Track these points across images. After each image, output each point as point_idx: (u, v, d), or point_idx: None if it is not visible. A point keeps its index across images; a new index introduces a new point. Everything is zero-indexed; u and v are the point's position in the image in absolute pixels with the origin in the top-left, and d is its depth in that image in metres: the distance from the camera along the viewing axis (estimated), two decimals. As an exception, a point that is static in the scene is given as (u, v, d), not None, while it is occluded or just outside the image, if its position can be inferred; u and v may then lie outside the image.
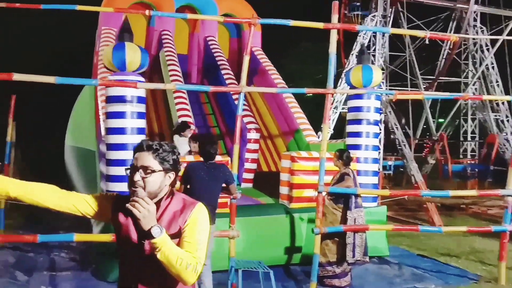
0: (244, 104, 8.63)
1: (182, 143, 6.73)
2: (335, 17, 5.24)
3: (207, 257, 4.67)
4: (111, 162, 5.62)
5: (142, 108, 5.65)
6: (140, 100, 5.58)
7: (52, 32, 18.39)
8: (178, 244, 1.97)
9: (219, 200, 4.93)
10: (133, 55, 5.41)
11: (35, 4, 4.47)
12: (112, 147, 5.58)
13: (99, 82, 4.89)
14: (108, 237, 4.91)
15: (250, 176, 8.56)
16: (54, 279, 5.69)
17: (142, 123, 5.66)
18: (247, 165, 8.50)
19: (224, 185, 4.83)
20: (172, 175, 2.06)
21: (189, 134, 6.90)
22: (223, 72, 9.28)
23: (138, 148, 2.01)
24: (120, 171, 5.53)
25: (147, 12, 5.14)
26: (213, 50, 9.87)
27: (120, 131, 5.49)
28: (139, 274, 2.05)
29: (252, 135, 8.42)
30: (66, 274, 5.92)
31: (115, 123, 5.51)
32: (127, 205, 1.87)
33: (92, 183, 6.75)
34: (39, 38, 19.00)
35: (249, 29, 5.36)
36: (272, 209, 6.67)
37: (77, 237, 4.90)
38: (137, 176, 1.95)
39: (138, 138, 5.59)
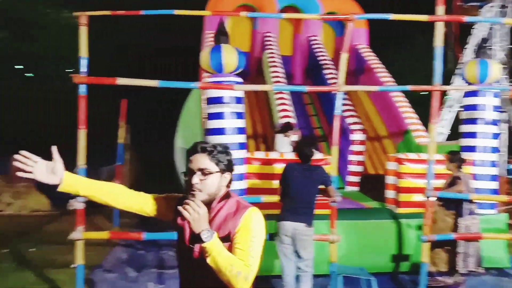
0: (348, 104, 8.41)
1: (284, 144, 6.70)
2: (440, 9, 4.91)
3: (310, 266, 4.58)
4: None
5: (240, 108, 5.71)
6: (238, 100, 5.65)
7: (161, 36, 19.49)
8: (229, 249, 1.91)
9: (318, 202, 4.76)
10: (230, 56, 5.48)
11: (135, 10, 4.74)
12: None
13: (197, 85, 5.04)
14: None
15: (356, 179, 8.25)
16: (161, 277, 5.92)
17: (241, 123, 5.72)
18: (352, 168, 8.20)
19: (322, 187, 4.66)
20: (228, 175, 2.04)
21: (293, 135, 6.84)
22: (326, 72, 9.09)
23: (192, 151, 2.00)
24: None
25: (242, 13, 5.19)
26: (316, 50, 9.74)
27: (220, 131, 5.60)
28: (193, 277, 2.03)
29: (357, 136, 8.09)
30: (173, 272, 6.09)
31: (214, 123, 5.64)
32: (179, 207, 1.86)
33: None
34: (146, 41, 20.12)
35: (349, 26, 5.12)
36: (378, 214, 6.36)
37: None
38: (196, 179, 1.95)
39: (238, 138, 5.67)
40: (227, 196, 2.05)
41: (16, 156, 1.94)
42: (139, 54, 19.29)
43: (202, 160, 1.96)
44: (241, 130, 5.70)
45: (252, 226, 1.95)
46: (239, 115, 5.68)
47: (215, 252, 1.83)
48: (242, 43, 9.58)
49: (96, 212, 8.42)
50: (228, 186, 2.06)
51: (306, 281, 4.61)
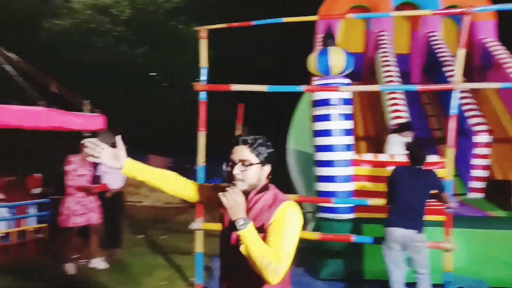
0: (471, 103, 7.82)
1: (397, 144, 6.51)
2: None
3: (426, 267, 4.46)
4: (319, 163, 5.88)
5: (348, 110, 5.74)
6: (345, 102, 5.68)
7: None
8: (263, 240, 1.94)
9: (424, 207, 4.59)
10: (337, 58, 5.54)
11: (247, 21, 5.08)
12: (319, 148, 5.84)
13: (304, 88, 5.20)
14: (315, 236, 5.15)
15: (480, 185, 7.62)
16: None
17: (348, 125, 5.75)
18: (476, 173, 7.61)
19: (435, 192, 4.47)
20: (267, 167, 2.11)
21: (409, 135, 6.62)
22: (446, 69, 8.56)
23: (234, 143, 2.08)
24: (329, 171, 5.75)
25: (348, 16, 5.23)
26: (435, 47, 9.22)
27: (327, 133, 5.69)
28: (231, 263, 2.11)
29: (481, 138, 7.48)
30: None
31: (321, 125, 5.75)
32: (219, 193, 1.95)
33: (310, 185, 7.17)
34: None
35: (465, 20, 4.84)
36: (504, 223, 5.84)
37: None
38: (237, 170, 2.04)
39: (345, 140, 5.71)
40: (265, 188, 2.11)
41: (86, 143, 2.24)
42: (261, 62, 20.07)
43: (243, 152, 2.05)
44: (348, 132, 5.73)
45: (285, 220, 1.97)
46: (347, 117, 5.71)
47: (248, 240, 1.87)
48: (356, 44, 9.51)
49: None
50: (267, 178, 2.13)
51: (424, 285, 4.46)
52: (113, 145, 6.10)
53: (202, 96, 5.24)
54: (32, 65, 9.90)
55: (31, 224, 6.55)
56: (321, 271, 5.80)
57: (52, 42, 16.96)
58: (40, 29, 17.25)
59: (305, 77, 7.42)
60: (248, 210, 2.04)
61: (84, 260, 6.22)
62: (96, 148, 2.20)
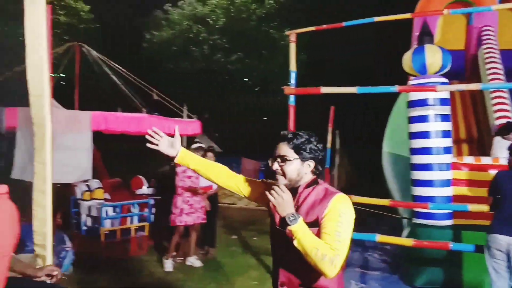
0: None
1: (502, 146, 6.00)
2: None
3: None
4: (415, 167, 5.62)
5: (446, 110, 5.41)
6: (443, 102, 5.37)
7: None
8: (317, 235, 1.94)
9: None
10: (433, 57, 5.26)
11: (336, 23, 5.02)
12: (416, 151, 5.58)
13: (397, 88, 4.99)
14: (409, 242, 4.94)
15: None
16: (364, 277, 6.05)
17: (446, 126, 5.42)
18: None
19: None
20: (311, 163, 2.09)
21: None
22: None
23: (277, 139, 2.11)
24: (426, 175, 5.47)
25: (445, 11, 4.93)
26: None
27: (423, 135, 5.42)
28: (282, 259, 2.13)
29: None
30: (375, 273, 6.21)
31: (418, 127, 5.49)
32: (266, 192, 1.99)
33: (406, 190, 6.87)
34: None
35: None
36: None
37: (380, 238, 5.10)
38: (275, 165, 2.08)
39: (443, 142, 5.40)
40: (315, 183, 2.10)
41: (149, 131, 2.33)
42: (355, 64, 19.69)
43: (282, 148, 2.07)
44: (446, 134, 5.41)
45: (339, 210, 1.96)
46: (445, 118, 5.40)
47: (300, 234, 1.89)
48: (456, 41, 8.92)
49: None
50: (313, 173, 2.11)
51: None
52: (210, 149, 6.35)
53: (291, 99, 5.28)
54: (135, 74, 10.73)
55: (134, 222, 7.05)
56: (416, 279, 5.55)
57: (153, 52, 18.19)
58: (142, 41, 18.60)
59: (402, 77, 7.15)
60: (299, 206, 2.06)
61: (181, 258, 6.57)
62: (155, 136, 2.31)
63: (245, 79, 19.81)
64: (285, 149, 2.07)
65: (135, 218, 7.19)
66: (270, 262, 6.25)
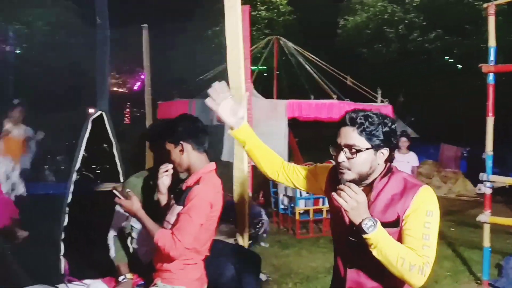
0: None
1: None
2: None
3: None
4: None
5: None
6: None
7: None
8: (398, 236, 1.64)
9: None
10: None
11: None
12: None
13: None
14: None
15: None
16: None
17: None
18: None
19: None
20: (385, 151, 1.69)
21: None
22: None
23: (341, 123, 1.71)
24: None
25: None
26: None
27: None
28: (351, 262, 1.81)
29: None
30: None
31: None
32: (333, 193, 1.63)
33: None
34: None
35: None
36: None
37: None
38: (342, 157, 1.68)
39: None
40: (389, 171, 1.74)
41: (212, 87, 1.99)
42: None
43: (349, 135, 1.66)
44: None
45: (426, 208, 1.64)
46: None
47: (382, 244, 1.58)
48: None
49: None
50: (387, 161, 1.72)
51: None
52: (403, 134, 6.27)
53: (490, 78, 4.78)
54: (331, 61, 11.02)
55: (325, 204, 7.38)
56: None
57: (347, 38, 18.28)
58: (337, 28, 18.85)
59: None
60: (373, 201, 1.72)
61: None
62: (219, 94, 1.97)
63: (445, 57, 18.31)
64: (353, 136, 1.67)
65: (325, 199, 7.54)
66: (467, 254, 5.90)
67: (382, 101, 9.86)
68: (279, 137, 7.95)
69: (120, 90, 22.81)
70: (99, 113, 3.06)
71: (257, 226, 3.83)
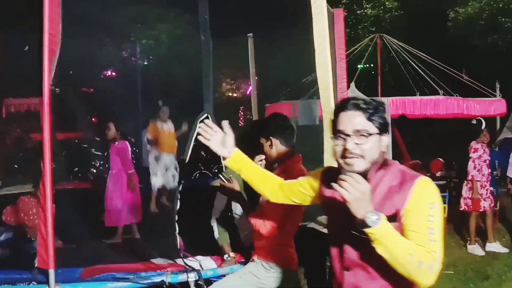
0: None
1: None
2: None
3: None
4: None
5: None
6: None
7: None
8: (400, 230, 1.54)
9: None
10: None
11: None
12: None
13: None
14: None
15: None
16: None
17: None
18: None
19: None
20: (385, 138, 1.61)
21: None
22: None
23: (341, 108, 1.62)
24: None
25: None
26: None
27: None
28: (350, 263, 1.68)
29: None
30: None
31: None
32: (334, 185, 1.50)
33: None
34: None
35: None
36: None
37: None
38: (351, 143, 1.55)
39: None
40: (385, 163, 1.65)
41: (201, 124, 1.98)
42: None
43: (357, 119, 1.57)
44: None
45: (427, 200, 1.54)
46: None
47: (387, 239, 1.47)
48: None
49: None
50: (384, 152, 1.63)
51: None
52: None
53: None
54: (442, 56, 10.58)
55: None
56: None
57: (458, 30, 17.22)
58: (447, 20, 17.84)
59: None
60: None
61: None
62: (208, 131, 1.92)
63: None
64: (361, 121, 1.58)
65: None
66: None
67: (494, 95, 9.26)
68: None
69: (234, 95, 23.98)
70: (205, 115, 3.54)
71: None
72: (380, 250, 1.48)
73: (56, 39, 2.50)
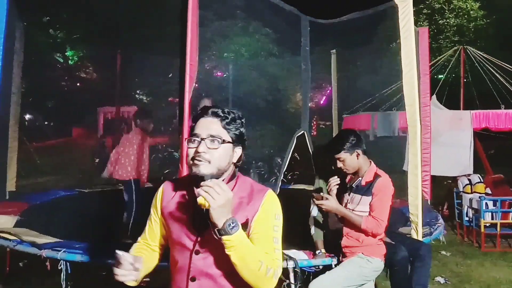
0: None
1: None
2: None
3: None
4: None
5: None
6: None
7: None
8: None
9: None
10: None
11: None
12: None
13: None
14: None
15: None
16: None
17: None
18: None
19: None
20: (239, 150, 1.70)
21: None
22: None
23: (201, 114, 1.68)
24: None
25: None
26: None
27: None
28: (197, 273, 1.66)
29: None
30: None
31: None
32: (197, 190, 1.49)
33: None
34: None
35: None
36: None
37: None
38: (203, 146, 1.60)
39: None
40: (234, 175, 1.73)
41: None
42: None
43: (212, 126, 1.64)
44: None
45: (274, 212, 1.66)
46: None
47: (241, 245, 1.51)
48: None
49: None
50: (237, 164, 1.71)
51: None
52: None
53: None
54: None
55: (515, 217, 7.09)
56: None
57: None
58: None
59: None
60: None
61: None
62: (126, 271, 1.58)
63: None
64: (217, 128, 1.64)
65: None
66: None
67: None
68: (463, 148, 7.95)
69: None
70: (302, 132, 4.05)
71: (432, 226, 4.27)
72: (234, 257, 1.51)
73: (195, 68, 3.10)
